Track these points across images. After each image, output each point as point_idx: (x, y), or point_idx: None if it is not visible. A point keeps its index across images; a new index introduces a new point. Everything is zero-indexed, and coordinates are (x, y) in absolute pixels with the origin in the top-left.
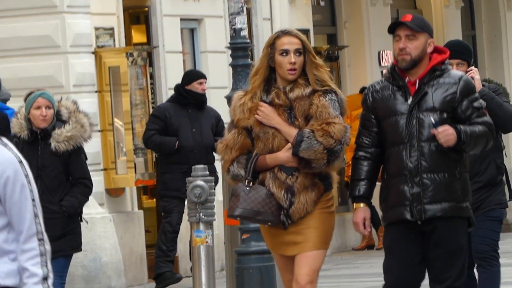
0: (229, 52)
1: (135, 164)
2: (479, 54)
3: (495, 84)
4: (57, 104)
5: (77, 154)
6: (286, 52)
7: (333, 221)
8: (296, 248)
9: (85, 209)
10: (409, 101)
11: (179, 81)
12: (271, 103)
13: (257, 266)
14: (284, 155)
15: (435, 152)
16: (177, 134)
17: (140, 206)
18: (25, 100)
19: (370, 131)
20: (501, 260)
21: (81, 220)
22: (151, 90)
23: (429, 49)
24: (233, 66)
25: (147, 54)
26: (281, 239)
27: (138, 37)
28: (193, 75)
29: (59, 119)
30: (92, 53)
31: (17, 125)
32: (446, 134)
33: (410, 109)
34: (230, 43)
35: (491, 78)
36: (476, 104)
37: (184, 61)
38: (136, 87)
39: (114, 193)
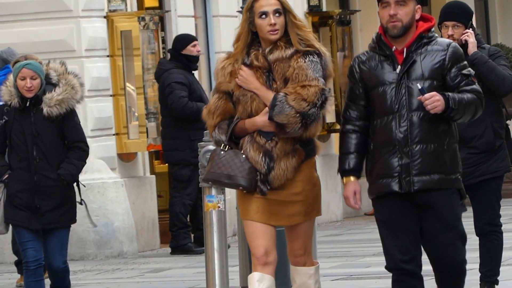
0: (241, 16)
1: (147, 128)
2: (491, 18)
3: (506, 48)
4: (45, 67)
5: (70, 117)
6: (265, 14)
7: (318, 190)
8: (281, 220)
9: (97, 174)
10: (398, 70)
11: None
12: (251, 65)
13: None
14: (261, 119)
15: (425, 122)
16: (201, 99)
17: (152, 171)
18: (12, 66)
19: (358, 104)
20: (510, 226)
21: (78, 185)
22: (163, 55)
23: (417, 16)
24: None
25: (159, 19)
26: (260, 205)
27: (150, 1)
28: (186, 39)
29: (49, 82)
30: (104, 17)
31: (7, 93)
32: (433, 100)
33: (399, 78)
34: (242, 7)
35: (503, 43)
36: (465, 71)
37: (196, 25)
38: (148, 52)
39: (126, 158)
